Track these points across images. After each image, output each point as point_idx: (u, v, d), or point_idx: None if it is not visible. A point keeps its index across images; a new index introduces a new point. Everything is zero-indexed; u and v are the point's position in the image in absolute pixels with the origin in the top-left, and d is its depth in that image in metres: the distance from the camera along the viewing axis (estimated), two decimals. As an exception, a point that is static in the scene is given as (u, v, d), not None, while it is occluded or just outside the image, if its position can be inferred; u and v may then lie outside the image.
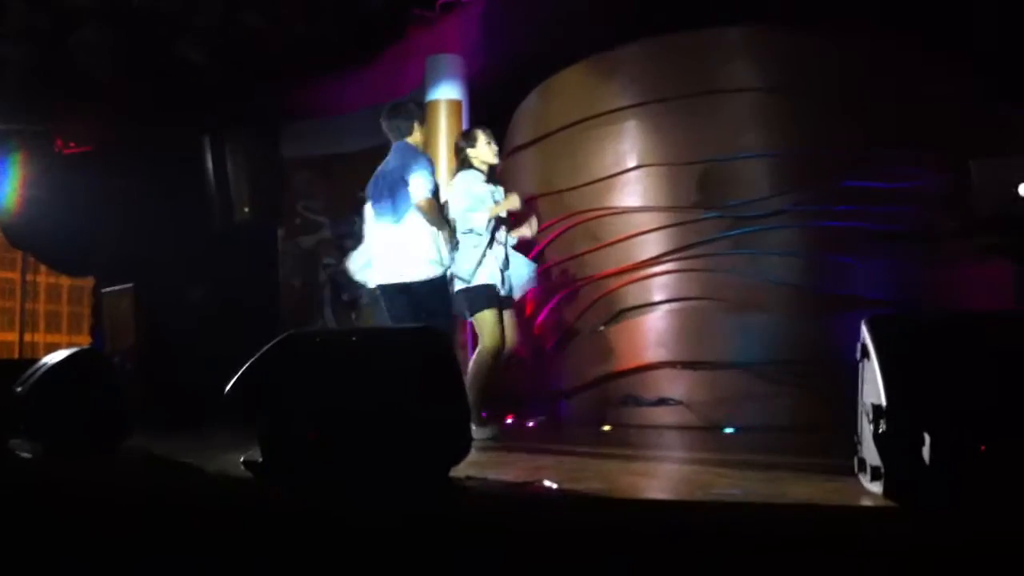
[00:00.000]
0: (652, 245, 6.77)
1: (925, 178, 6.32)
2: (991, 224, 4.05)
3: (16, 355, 17.43)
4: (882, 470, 2.77)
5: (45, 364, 4.90)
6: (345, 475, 3.27)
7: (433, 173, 5.68)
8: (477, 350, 5.72)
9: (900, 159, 6.36)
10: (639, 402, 6.61)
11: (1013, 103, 6.44)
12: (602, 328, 6.99)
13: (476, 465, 3.89)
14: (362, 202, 6.03)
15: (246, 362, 3.48)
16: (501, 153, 8.34)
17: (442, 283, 5.73)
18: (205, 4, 7.09)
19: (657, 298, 6.74)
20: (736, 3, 6.75)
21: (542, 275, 7.69)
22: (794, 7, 6.63)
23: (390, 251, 5.69)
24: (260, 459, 3.43)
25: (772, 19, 6.74)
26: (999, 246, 4.34)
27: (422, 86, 8.02)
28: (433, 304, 5.60)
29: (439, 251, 5.67)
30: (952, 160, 5.88)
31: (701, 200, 6.69)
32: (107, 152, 9.59)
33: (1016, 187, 3.96)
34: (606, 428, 5.68)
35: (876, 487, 2.83)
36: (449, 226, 5.72)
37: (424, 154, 5.82)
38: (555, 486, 3.24)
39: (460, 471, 3.44)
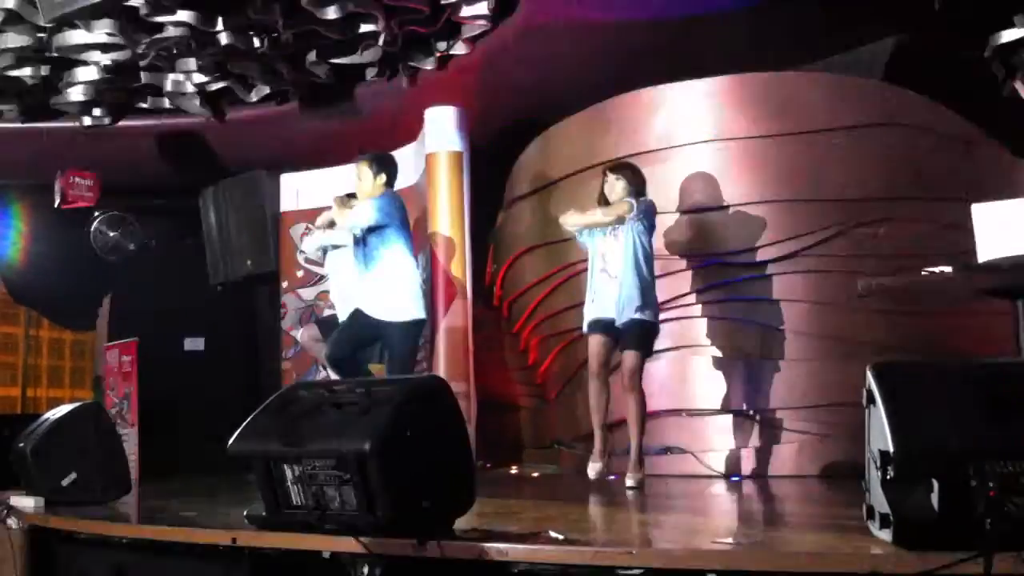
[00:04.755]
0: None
1: (924, 222, 6.34)
2: (992, 269, 4.04)
3: (18, 410, 17.37)
4: (891, 517, 2.75)
5: (47, 419, 4.90)
6: (348, 528, 3.24)
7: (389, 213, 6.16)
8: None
9: (901, 204, 6.38)
10: (644, 451, 6.57)
11: (1014, 147, 6.47)
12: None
13: (481, 516, 3.87)
14: None
15: (248, 415, 3.47)
16: (502, 204, 8.40)
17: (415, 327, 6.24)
18: (198, 51, 7.12)
19: (660, 346, 6.72)
20: (734, 50, 6.81)
21: (544, 324, 7.70)
22: (788, 55, 6.69)
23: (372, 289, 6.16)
24: (263, 512, 3.41)
25: (767, 66, 6.80)
26: (1000, 291, 4.33)
27: (421, 138, 8.07)
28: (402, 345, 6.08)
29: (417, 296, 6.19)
30: (952, 204, 5.90)
31: (701, 247, 6.71)
32: (108, 206, 9.62)
33: (1018, 231, 3.96)
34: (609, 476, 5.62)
35: (885, 535, 2.81)
36: None
37: (392, 198, 6.33)
38: (561, 536, 3.20)
39: (465, 522, 3.41)
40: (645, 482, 5.60)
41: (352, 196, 6.72)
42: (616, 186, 5.87)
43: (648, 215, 5.78)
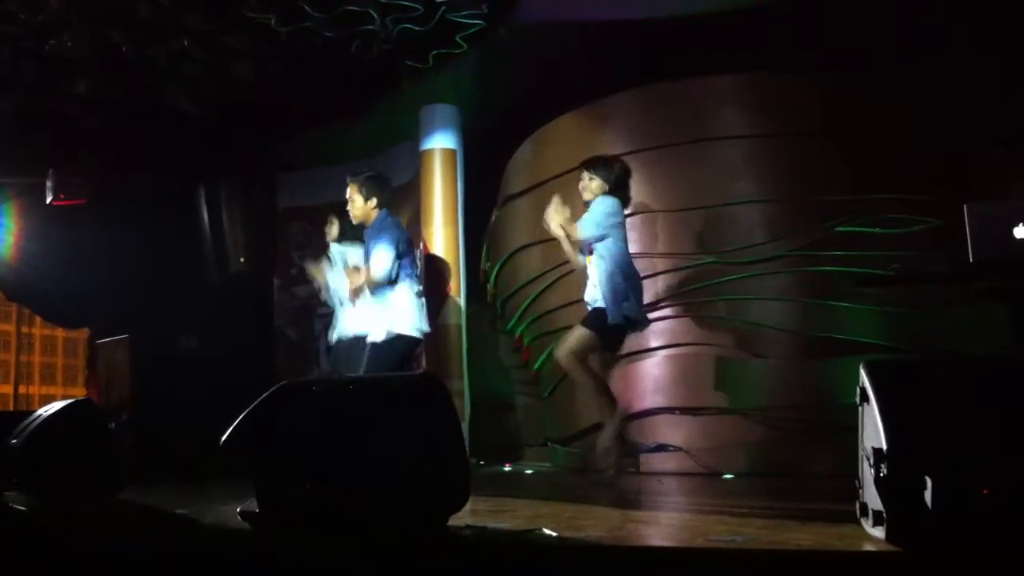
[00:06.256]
0: (647, 291, 6.77)
1: (919, 222, 6.34)
2: (986, 268, 4.04)
3: (11, 407, 17.36)
4: (884, 515, 2.76)
5: (40, 416, 4.88)
6: (342, 525, 3.23)
7: (396, 243, 5.93)
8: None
9: (894, 203, 6.39)
10: (637, 448, 6.58)
11: (1008, 146, 6.47)
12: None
13: (475, 514, 3.86)
14: None
15: (242, 412, 3.46)
16: (496, 202, 8.40)
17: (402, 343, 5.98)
18: (194, 53, 7.12)
19: (654, 344, 6.73)
20: (728, 52, 6.81)
21: (538, 322, 7.70)
22: (785, 56, 6.69)
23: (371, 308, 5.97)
24: (256, 509, 3.40)
25: (763, 67, 6.80)
26: (994, 290, 4.33)
27: (416, 136, 8.07)
28: (387, 361, 5.82)
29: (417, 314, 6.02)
30: (946, 204, 5.91)
31: (696, 246, 6.71)
32: (101, 203, 9.60)
33: (1011, 230, 3.97)
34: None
35: (879, 532, 2.81)
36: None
37: (388, 224, 6.06)
38: (555, 534, 3.20)
39: (458, 519, 3.41)
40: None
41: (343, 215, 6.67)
42: (591, 185, 5.84)
43: (602, 223, 5.71)
